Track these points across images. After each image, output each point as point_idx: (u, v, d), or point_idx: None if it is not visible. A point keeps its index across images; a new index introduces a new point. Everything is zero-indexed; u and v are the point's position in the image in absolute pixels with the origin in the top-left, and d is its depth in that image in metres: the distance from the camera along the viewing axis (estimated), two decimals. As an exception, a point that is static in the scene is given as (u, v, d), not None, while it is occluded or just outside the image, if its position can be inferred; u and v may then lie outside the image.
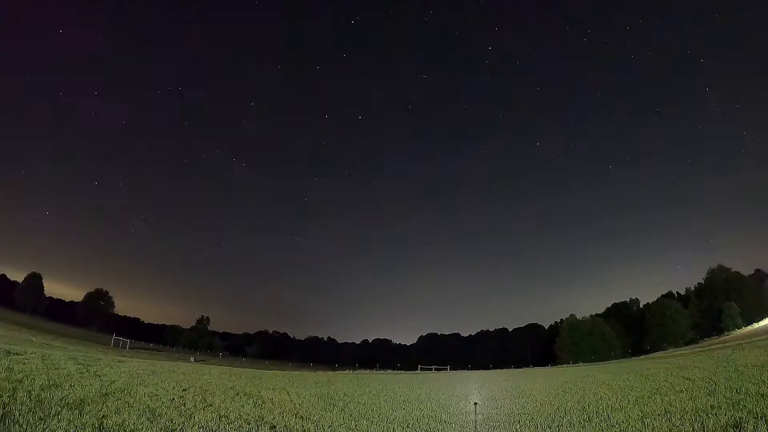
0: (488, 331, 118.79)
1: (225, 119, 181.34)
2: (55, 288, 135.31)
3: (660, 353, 58.94)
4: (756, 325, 64.27)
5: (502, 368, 66.02)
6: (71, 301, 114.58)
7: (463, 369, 67.77)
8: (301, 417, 10.14)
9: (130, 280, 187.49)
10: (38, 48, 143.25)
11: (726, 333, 66.26)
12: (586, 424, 9.08)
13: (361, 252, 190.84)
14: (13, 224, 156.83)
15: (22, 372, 12.12)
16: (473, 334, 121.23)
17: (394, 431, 9.35)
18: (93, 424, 7.05)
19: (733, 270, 78.50)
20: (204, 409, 9.86)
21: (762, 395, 9.59)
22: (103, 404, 8.83)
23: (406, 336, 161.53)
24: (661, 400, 10.83)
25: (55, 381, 11.19)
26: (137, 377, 15.54)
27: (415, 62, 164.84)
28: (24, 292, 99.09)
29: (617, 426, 8.58)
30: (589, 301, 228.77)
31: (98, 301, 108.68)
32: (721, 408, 8.76)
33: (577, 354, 74.75)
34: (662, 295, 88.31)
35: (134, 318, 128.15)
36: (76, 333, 67.23)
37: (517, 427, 9.47)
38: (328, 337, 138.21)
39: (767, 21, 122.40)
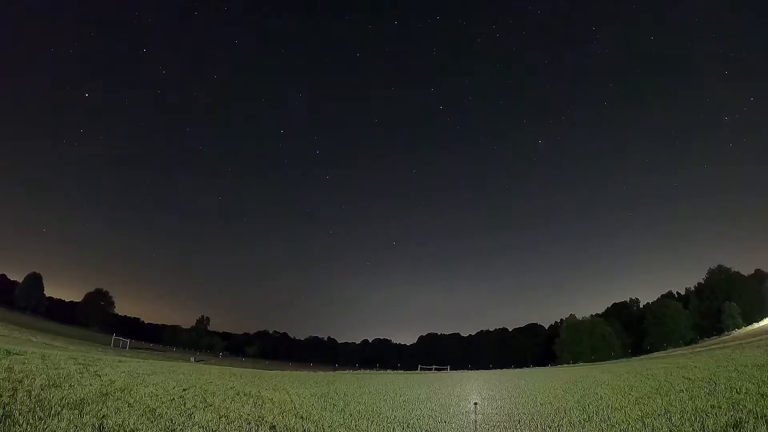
0: (488, 331, 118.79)
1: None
2: (55, 288, 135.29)
3: (660, 353, 58.87)
4: (756, 325, 64.22)
5: (502, 368, 65.95)
6: (71, 301, 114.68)
7: (463, 369, 67.66)
8: (301, 417, 10.14)
9: (130, 280, 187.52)
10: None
11: (726, 333, 66.19)
12: (586, 424, 9.08)
13: (361, 252, 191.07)
14: (13, 224, 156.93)
15: (22, 372, 12.13)
16: (473, 334, 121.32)
17: (394, 431, 9.35)
18: (93, 424, 7.04)
19: (733, 270, 78.56)
20: (204, 409, 9.86)
21: (762, 395, 9.59)
22: (103, 404, 8.83)
23: (406, 336, 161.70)
24: (661, 400, 10.82)
25: (55, 381, 11.19)
26: (137, 377, 15.53)
27: (418, 63, 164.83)
28: (24, 292, 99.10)
29: (617, 426, 8.58)
30: (589, 301, 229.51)
31: (98, 301, 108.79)
32: (721, 408, 8.75)
33: (577, 354, 74.67)
34: (662, 295, 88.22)
35: (134, 318, 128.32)
36: (76, 333, 67.22)
37: (517, 427, 9.46)
38: (328, 337, 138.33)
39: None
